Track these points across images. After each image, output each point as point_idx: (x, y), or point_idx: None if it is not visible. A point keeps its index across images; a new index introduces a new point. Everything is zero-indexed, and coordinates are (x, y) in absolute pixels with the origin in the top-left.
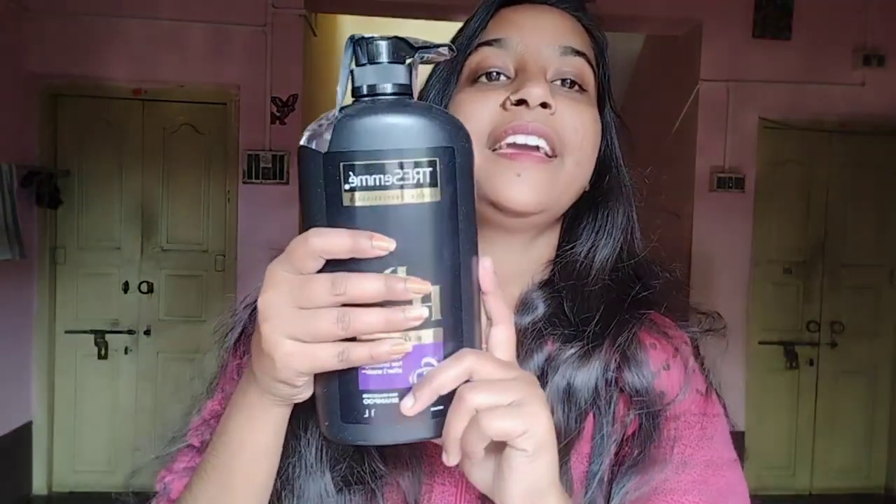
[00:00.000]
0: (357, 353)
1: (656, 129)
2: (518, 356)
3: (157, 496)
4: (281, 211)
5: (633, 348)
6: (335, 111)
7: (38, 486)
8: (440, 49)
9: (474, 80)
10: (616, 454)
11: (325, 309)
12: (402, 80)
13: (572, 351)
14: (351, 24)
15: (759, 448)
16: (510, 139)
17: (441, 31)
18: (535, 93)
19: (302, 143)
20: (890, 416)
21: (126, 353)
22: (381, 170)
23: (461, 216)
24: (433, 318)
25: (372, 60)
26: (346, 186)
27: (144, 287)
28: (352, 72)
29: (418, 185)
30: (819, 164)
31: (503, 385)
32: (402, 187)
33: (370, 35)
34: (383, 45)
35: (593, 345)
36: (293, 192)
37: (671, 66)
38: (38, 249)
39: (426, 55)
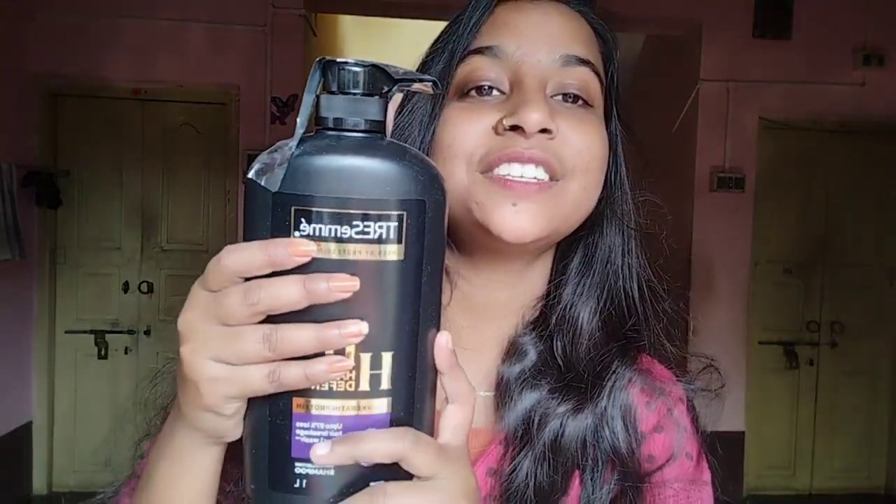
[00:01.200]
0: (290, 373)
1: (656, 129)
2: (502, 406)
3: None
4: None
5: (624, 408)
6: (291, 143)
7: (38, 486)
8: (424, 83)
9: (464, 93)
10: None
11: (250, 327)
12: (376, 115)
13: (566, 407)
14: (351, 24)
15: (759, 448)
16: (504, 169)
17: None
18: (532, 119)
19: (249, 175)
20: (890, 416)
21: (126, 353)
22: (338, 220)
23: (425, 277)
24: (383, 387)
25: (343, 89)
26: (296, 234)
27: (144, 287)
28: (318, 97)
29: (380, 240)
30: (819, 164)
31: (425, 493)
32: (361, 241)
33: (343, 59)
34: (358, 73)
35: (584, 398)
36: None
37: (671, 66)
38: (38, 249)
39: (406, 88)
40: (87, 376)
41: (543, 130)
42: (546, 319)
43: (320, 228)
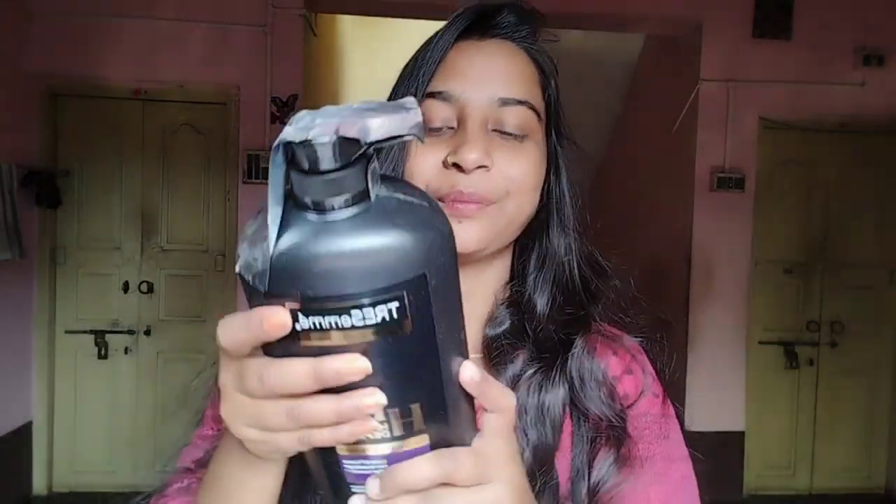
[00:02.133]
0: (320, 437)
1: (656, 129)
2: (490, 364)
3: None
4: None
5: (592, 370)
6: (270, 236)
7: (38, 486)
8: (405, 137)
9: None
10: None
11: (272, 402)
12: (356, 187)
13: (531, 371)
14: (351, 24)
15: (759, 448)
16: (450, 202)
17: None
18: (470, 158)
19: (237, 270)
20: (890, 416)
21: (126, 353)
22: (335, 313)
23: (441, 335)
24: (417, 429)
25: (313, 168)
26: (297, 327)
27: (144, 287)
28: (288, 173)
29: (384, 322)
30: (819, 164)
31: (474, 495)
32: (364, 328)
33: (304, 138)
34: (325, 150)
35: (552, 365)
36: None
37: (671, 66)
38: (38, 249)
39: (384, 145)
40: (87, 376)
41: (481, 167)
42: (515, 301)
43: (319, 322)
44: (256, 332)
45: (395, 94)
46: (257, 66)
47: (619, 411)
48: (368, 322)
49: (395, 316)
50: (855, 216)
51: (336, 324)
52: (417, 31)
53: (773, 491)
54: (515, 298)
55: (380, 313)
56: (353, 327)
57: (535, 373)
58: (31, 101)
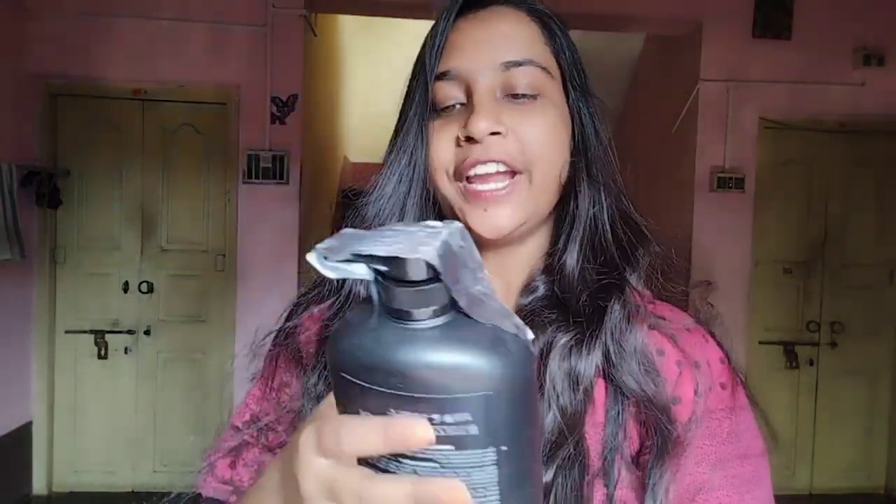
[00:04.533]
0: None
1: (656, 129)
2: None
3: (203, 471)
4: (281, 211)
5: (634, 346)
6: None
7: (38, 486)
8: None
9: (437, 111)
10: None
11: (344, 473)
12: (440, 301)
13: (563, 338)
14: (351, 24)
15: None
16: (470, 172)
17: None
18: (480, 128)
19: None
20: (890, 416)
21: (126, 353)
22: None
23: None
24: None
25: (404, 281)
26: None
27: (144, 287)
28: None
29: (451, 431)
30: (819, 164)
31: None
32: (439, 433)
33: (398, 255)
34: (418, 266)
35: (584, 330)
36: (293, 191)
37: (671, 66)
38: (38, 249)
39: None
40: (87, 376)
41: (494, 133)
42: (549, 268)
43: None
44: (396, 442)
45: (410, 88)
46: (257, 66)
47: (661, 393)
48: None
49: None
50: (855, 216)
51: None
52: (417, 32)
53: (773, 491)
54: (550, 265)
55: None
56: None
57: (568, 339)
58: (31, 101)
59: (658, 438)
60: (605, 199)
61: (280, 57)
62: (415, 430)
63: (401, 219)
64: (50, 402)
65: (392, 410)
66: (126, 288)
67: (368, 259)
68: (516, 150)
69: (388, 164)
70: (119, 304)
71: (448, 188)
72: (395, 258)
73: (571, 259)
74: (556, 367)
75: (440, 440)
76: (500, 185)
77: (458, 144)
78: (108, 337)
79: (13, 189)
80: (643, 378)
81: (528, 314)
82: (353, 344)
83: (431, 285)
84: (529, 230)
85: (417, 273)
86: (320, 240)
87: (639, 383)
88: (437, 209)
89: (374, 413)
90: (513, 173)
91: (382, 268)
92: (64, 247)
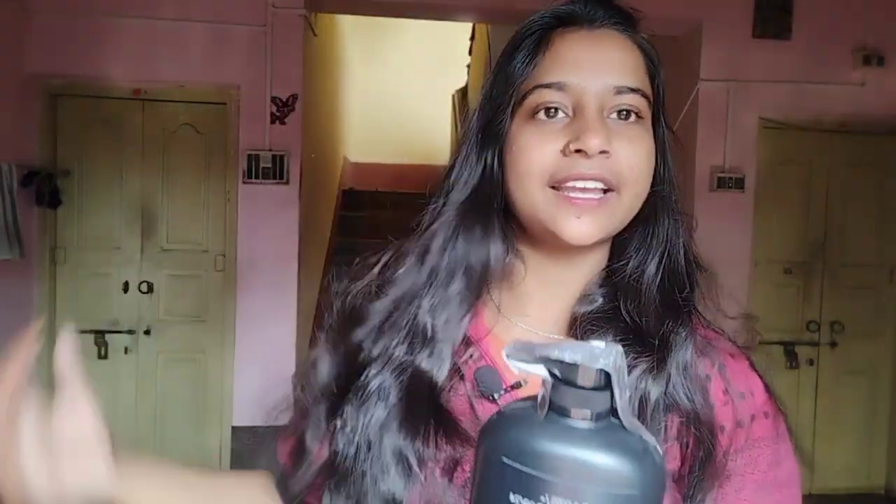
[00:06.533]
0: None
1: None
2: (574, 337)
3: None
4: (281, 211)
5: (688, 367)
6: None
7: None
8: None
9: (533, 113)
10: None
11: None
12: (603, 406)
13: (644, 365)
14: (351, 24)
15: None
16: (571, 184)
17: (441, 30)
18: (593, 144)
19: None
20: (890, 416)
21: (126, 353)
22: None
23: None
24: None
25: (568, 380)
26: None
27: (144, 287)
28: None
29: None
30: (819, 164)
31: None
32: None
33: (571, 360)
34: (589, 373)
35: (652, 352)
36: (293, 192)
37: (671, 66)
38: (38, 249)
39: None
40: (87, 376)
41: (602, 152)
42: (611, 286)
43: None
44: None
45: (492, 94)
46: (257, 66)
47: (709, 411)
48: None
49: None
50: (855, 216)
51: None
52: (418, 31)
53: None
54: (612, 280)
55: None
56: None
57: (646, 365)
58: (31, 101)
59: (702, 455)
60: (682, 229)
61: (280, 57)
62: None
63: (462, 220)
64: (50, 402)
65: (545, 496)
66: (126, 288)
67: (549, 362)
68: (616, 171)
69: (460, 163)
70: (119, 303)
71: (538, 194)
72: (571, 364)
73: (646, 282)
74: (630, 387)
75: None
76: (594, 196)
77: (564, 154)
78: (108, 337)
79: (13, 189)
80: (695, 396)
81: (582, 324)
82: (519, 432)
83: (601, 392)
84: (600, 243)
85: (591, 379)
86: (320, 240)
87: (691, 400)
88: (505, 211)
89: (527, 496)
90: (606, 189)
91: (557, 371)
92: (64, 247)
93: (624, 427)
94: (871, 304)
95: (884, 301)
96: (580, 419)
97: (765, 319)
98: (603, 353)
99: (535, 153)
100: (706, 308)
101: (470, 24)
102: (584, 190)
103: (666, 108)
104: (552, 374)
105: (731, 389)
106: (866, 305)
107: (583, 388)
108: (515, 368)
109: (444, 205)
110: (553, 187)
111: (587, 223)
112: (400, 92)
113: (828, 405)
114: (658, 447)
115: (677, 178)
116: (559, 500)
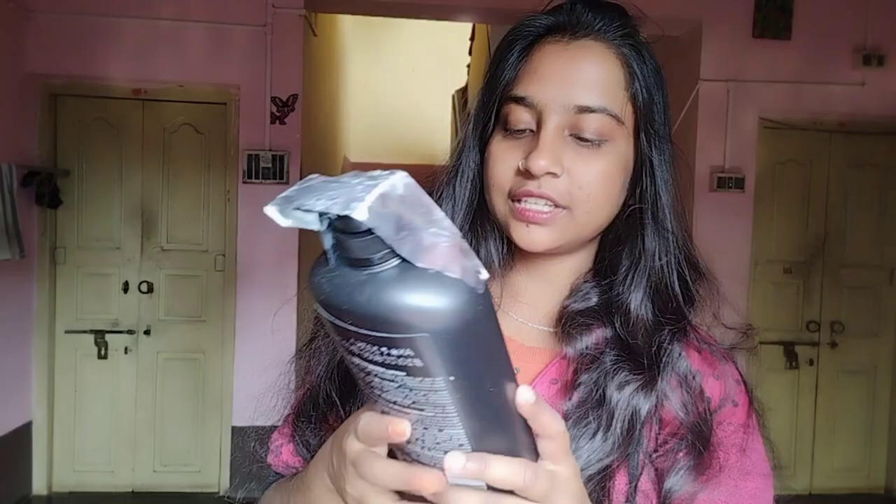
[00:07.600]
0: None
1: None
2: (564, 332)
3: (270, 452)
4: None
5: (684, 371)
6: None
7: (38, 486)
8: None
9: (505, 130)
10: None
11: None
12: (377, 252)
13: (638, 383)
14: (351, 24)
15: None
16: (523, 199)
17: (441, 30)
18: (539, 166)
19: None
20: (890, 416)
21: (126, 353)
22: (371, 342)
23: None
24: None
25: (348, 231)
26: (351, 347)
27: (144, 287)
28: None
29: (403, 364)
30: (819, 164)
31: None
32: (390, 367)
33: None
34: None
35: (643, 369)
36: None
37: (671, 66)
38: (38, 249)
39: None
40: (87, 376)
41: (549, 173)
42: (601, 286)
43: (360, 348)
44: (384, 435)
45: (481, 101)
46: (257, 66)
47: (705, 416)
48: (388, 361)
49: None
50: (855, 216)
51: (368, 356)
52: (418, 31)
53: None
54: (600, 281)
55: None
56: (383, 363)
57: (637, 384)
58: (31, 101)
59: (693, 457)
60: (672, 245)
61: (280, 57)
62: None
63: (465, 218)
64: (50, 402)
65: (349, 341)
66: (126, 288)
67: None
68: (565, 190)
69: (456, 169)
70: (119, 304)
71: (500, 204)
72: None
73: (636, 302)
74: (623, 403)
75: (389, 367)
76: (543, 210)
77: (517, 170)
78: (108, 337)
79: (13, 189)
80: (691, 408)
81: (573, 319)
82: (314, 282)
83: (367, 237)
84: (570, 249)
85: (356, 225)
86: (316, 240)
87: (686, 413)
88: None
89: (339, 342)
90: (558, 204)
91: (332, 216)
92: (64, 247)
93: (415, 266)
94: (870, 304)
95: (884, 301)
96: (363, 266)
97: (765, 319)
98: (366, 189)
99: (497, 167)
100: (704, 318)
101: (470, 24)
102: (534, 204)
103: (655, 118)
104: (329, 221)
105: (719, 372)
106: (866, 305)
107: (353, 234)
108: (288, 222)
109: (444, 203)
110: (512, 201)
111: (537, 233)
112: (400, 92)
113: (827, 405)
114: (471, 277)
115: (676, 188)
116: (361, 345)
